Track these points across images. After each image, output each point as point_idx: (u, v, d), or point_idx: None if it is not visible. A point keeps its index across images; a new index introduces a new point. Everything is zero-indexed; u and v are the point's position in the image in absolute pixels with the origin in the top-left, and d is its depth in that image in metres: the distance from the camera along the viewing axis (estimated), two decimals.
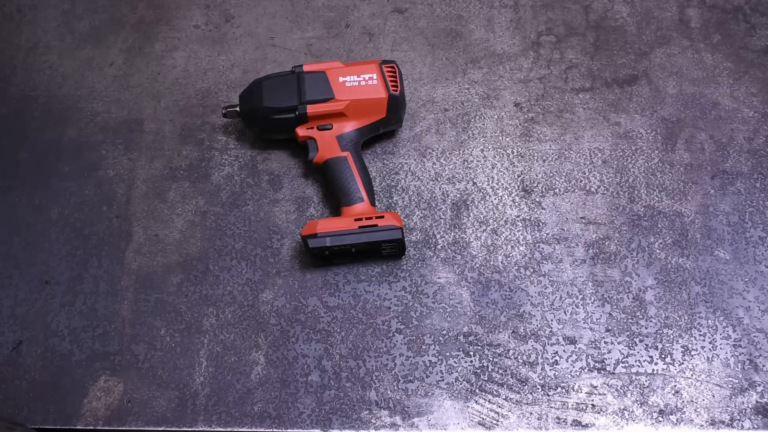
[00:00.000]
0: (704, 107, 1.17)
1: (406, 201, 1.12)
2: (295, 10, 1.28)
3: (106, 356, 1.06)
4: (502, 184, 1.13)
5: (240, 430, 1.00)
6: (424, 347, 1.03)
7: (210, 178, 1.16)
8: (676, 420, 0.98)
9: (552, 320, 1.04)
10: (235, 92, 1.21)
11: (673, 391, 0.99)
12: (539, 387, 1.00)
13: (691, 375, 1.00)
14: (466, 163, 1.14)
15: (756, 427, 0.97)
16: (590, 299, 1.05)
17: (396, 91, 1.09)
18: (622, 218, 1.09)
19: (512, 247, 1.08)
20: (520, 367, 1.01)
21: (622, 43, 1.22)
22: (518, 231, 1.09)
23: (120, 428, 1.01)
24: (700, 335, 1.02)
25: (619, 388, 1.00)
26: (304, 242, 1.03)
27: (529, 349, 1.02)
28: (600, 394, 0.99)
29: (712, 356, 1.01)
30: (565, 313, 1.04)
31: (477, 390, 1.00)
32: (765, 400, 0.98)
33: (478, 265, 1.07)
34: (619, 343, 1.02)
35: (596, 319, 1.03)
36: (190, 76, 1.24)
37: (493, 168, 1.14)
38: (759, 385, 0.99)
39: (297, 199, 1.13)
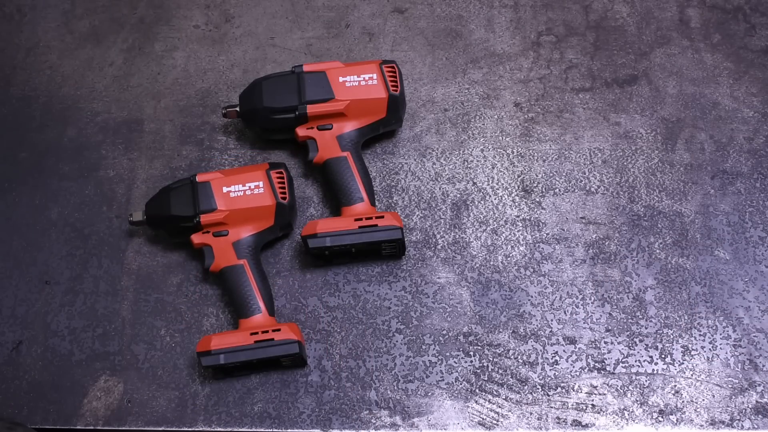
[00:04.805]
0: (704, 107, 1.16)
1: (406, 201, 1.12)
2: (295, 10, 1.28)
3: (106, 356, 1.06)
4: (502, 184, 1.13)
5: (240, 430, 1.00)
6: (424, 347, 1.03)
7: None
8: (676, 420, 0.98)
9: (552, 320, 1.04)
10: (235, 92, 1.21)
11: (673, 391, 0.99)
12: (539, 387, 1.00)
13: (691, 375, 1.00)
14: (466, 163, 1.14)
15: (756, 427, 0.97)
16: (590, 299, 1.05)
17: (396, 91, 1.09)
18: (622, 218, 1.09)
19: (512, 247, 1.08)
20: (520, 367, 1.01)
21: (622, 43, 1.22)
22: (518, 231, 1.09)
23: (120, 428, 1.01)
24: (700, 335, 1.02)
25: (619, 388, 1.00)
26: (304, 242, 1.03)
27: (529, 349, 1.02)
28: (600, 394, 0.99)
29: (712, 356, 1.01)
30: (565, 313, 1.04)
31: (477, 390, 1.00)
32: (765, 400, 0.98)
33: (478, 265, 1.07)
34: (619, 343, 1.02)
35: (596, 319, 1.03)
36: (190, 76, 1.24)
37: (493, 168, 1.14)
38: (759, 385, 0.99)
39: (297, 199, 1.13)
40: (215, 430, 1.00)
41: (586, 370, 1.01)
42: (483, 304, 1.05)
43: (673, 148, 1.14)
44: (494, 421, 0.99)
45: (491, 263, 1.07)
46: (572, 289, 1.05)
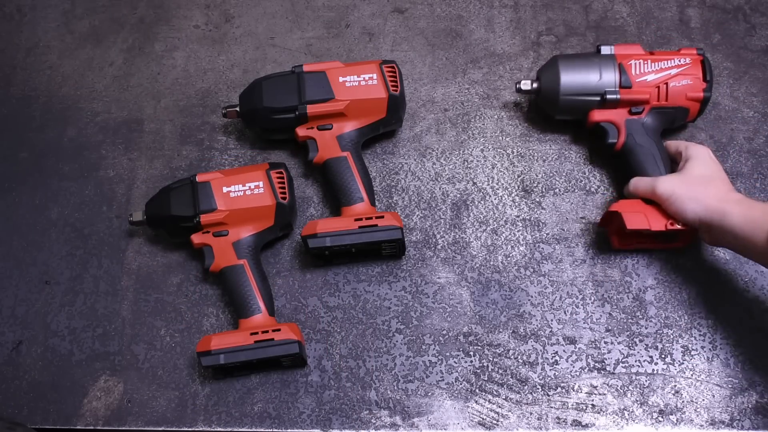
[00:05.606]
0: None
1: (406, 201, 1.12)
2: (295, 10, 1.28)
3: (106, 356, 1.06)
4: (502, 184, 1.13)
5: (240, 430, 1.00)
6: (424, 347, 1.03)
7: None
8: (676, 420, 0.98)
9: (552, 320, 1.04)
10: (235, 92, 1.21)
11: (673, 391, 0.99)
12: (539, 387, 1.00)
13: (691, 375, 1.00)
14: (466, 163, 1.14)
15: (756, 427, 0.97)
16: (590, 299, 1.05)
17: (396, 91, 1.09)
18: None
19: (512, 247, 1.08)
20: (520, 367, 1.01)
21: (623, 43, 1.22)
22: (518, 231, 1.09)
23: (120, 428, 1.01)
24: (700, 335, 1.02)
25: (619, 388, 1.00)
26: (304, 242, 1.03)
27: (529, 349, 1.02)
28: (600, 394, 0.99)
29: (712, 356, 1.01)
30: (565, 313, 1.04)
31: (477, 390, 1.00)
32: (765, 400, 0.98)
33: (478, 265, 1.07)
34: (619, 343, 1.02)
35: (596, 319, 1.03)
36: (190, 76, 1.24)
37: (493, 168, 1.14)
38: (759, 385, 0.99)
39: (297, 199, 1.13)
40: (215, 430, 1.00)
41: (586, 370, 1.01)
42: (483, 304, 1.05)
43: None
44: (494, 421, 0.99)
45: (491, 263, 1.07)
46: (572, 289, 1.05)
